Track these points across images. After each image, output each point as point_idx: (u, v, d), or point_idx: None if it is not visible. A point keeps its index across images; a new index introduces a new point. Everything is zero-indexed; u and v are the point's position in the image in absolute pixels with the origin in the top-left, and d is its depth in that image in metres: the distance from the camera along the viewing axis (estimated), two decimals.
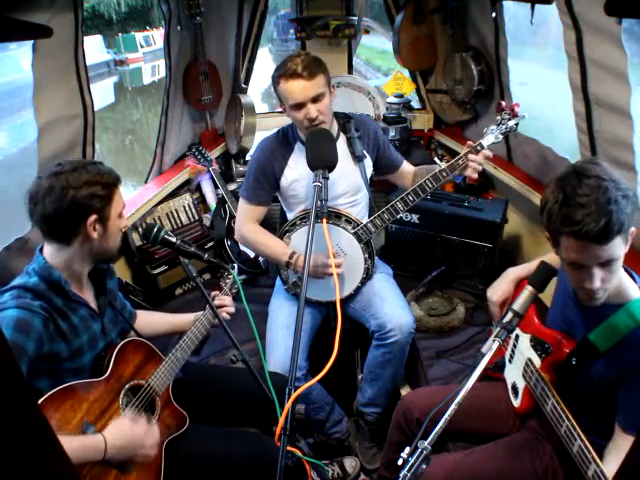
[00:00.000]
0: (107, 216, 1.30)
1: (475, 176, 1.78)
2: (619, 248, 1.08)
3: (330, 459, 2.01)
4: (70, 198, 1.22)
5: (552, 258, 1.47)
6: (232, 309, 1.58)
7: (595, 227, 1.03)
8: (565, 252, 1.11)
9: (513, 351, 1.46)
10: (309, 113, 1.69)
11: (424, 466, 1.02)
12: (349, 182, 1.89)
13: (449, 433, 1.38)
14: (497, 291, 1.53)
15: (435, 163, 1.88)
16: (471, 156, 1.75)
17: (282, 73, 1.69)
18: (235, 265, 1.60)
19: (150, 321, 1.63)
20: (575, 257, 1.10)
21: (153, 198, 2.44)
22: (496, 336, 1.15)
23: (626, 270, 1.21)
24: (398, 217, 1.86)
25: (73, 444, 1.11)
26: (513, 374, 1.45)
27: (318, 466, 1.71)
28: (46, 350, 1.19)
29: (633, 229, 1.12)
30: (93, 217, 1.26)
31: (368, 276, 1.93)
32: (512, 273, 1.54)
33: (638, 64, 1.85)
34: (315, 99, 1.69)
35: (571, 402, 1.23)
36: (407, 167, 2.05)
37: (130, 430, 1.23)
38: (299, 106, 1.70)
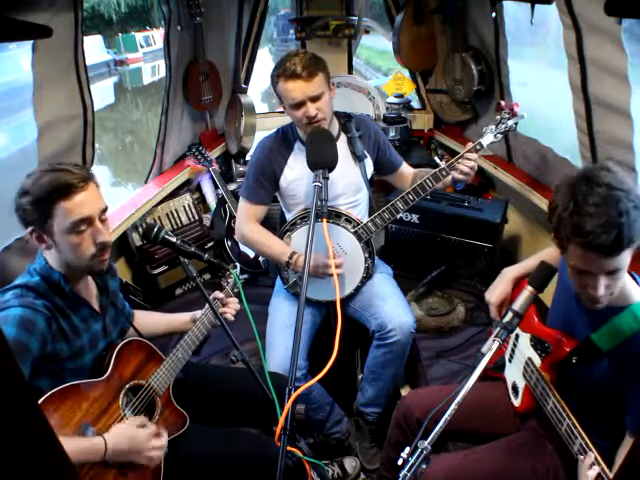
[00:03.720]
0: (50, 230, 1.20)
1: (468, 180, 1.78)
2: (627, 258, 1.08)
3: (330, 459, 2.01)
4: (15, 207, 1.20)
5: (549, 253, 1.47)
6: (234, 310, 1.57)
7: (606, 240, 1.02)
8: (572, 259, 1.11)
9: (513, 350, 1.46)
10: (308, 111, 1.69)
11: (424, 466, 1.02)
12: (349, 182, 1.89)
13: (449, 433, 1.38)
14: (495, 292, 1.52)
15: (435, 163, 1.89)
16: (467, 154, 1.74)
17: (281, 73, 1.70)
18: (237, 265, 1.59)
19: (147, 321, 1.63)
20: (582, 266, 1.10)
21: (153, 198, 2.44)
22: (496, 336, 1.15)
23: (629, 273, 1.21)
24: (398, 217, 1.86)
25: (71, 445, 1.10)
26: (513, 374, 1.45)
27: (318, 466, 1.71)
28: (48, 349, 1.19)
29: None
30: (30, 228, 1.21)
31: (368, 276, 1.93)
32: (508, 273, 1.54)
33: (638, 64, 1.85)
34: (314, 98, 1.70)
35: (571, 402, 1.23)
36: (406, 169, 2.05)
37: (132, 434, 1.22)
38: (298, 105, 1.71)
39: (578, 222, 1.05)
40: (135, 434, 1.22)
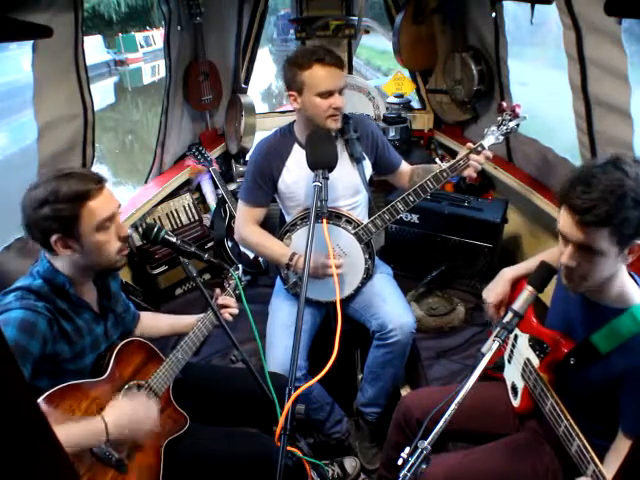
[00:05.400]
0: (78, 233, 1.20)
1: (474, 175, 1.78)
2: (603, 242, 1.06)
3: (330, 459, 2.01)
4: (31, 220, 1.19)
5: (549, 254, 1.47)
6: (235, 310, 1.57)
7: (582, 203, 1.04)
8: (559, 222, 1.14)
9: (512, 351, 1.46)
10: (336, 102, 1.71)
11: (424, 466, 1.02)
12: (348, 184, 1.89)
13: (449, 433, 1.38)
14: (493, 292, 1.53)
15: (435, 163, 1.88)
16: (472, 156, 1.75)
17: (318, 58, 1.67)
18: (240, 266, 1.59)
19: (154, 323, 1.63)
20: (560, 225, 1.13)
21: (153, 198, 2.44)
22: (496, 336, 1.15)
23: (630, 275, 1.20)
24: (398, 217, 1.86)
25: (73, 431, 1.11)
26: (512, 374, 1.45)
27: (318, 466, 1.71)
28: (49, 350, 1.19)
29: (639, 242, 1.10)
30: (54, 237, 1.19)
31: (368, 276, 1.93)
32: (507, 273, 1.54)
33: (638, 64, 1.85)
34: (341, 90, 1.73)
35: (570, 402, 1.23)
36: (405, 167, 2.05)
37: (128, 407, 1.24)
38: (328, 94, 1.70)
39: (572, 184, 1.07)
40: (132, 406, 1.25)
